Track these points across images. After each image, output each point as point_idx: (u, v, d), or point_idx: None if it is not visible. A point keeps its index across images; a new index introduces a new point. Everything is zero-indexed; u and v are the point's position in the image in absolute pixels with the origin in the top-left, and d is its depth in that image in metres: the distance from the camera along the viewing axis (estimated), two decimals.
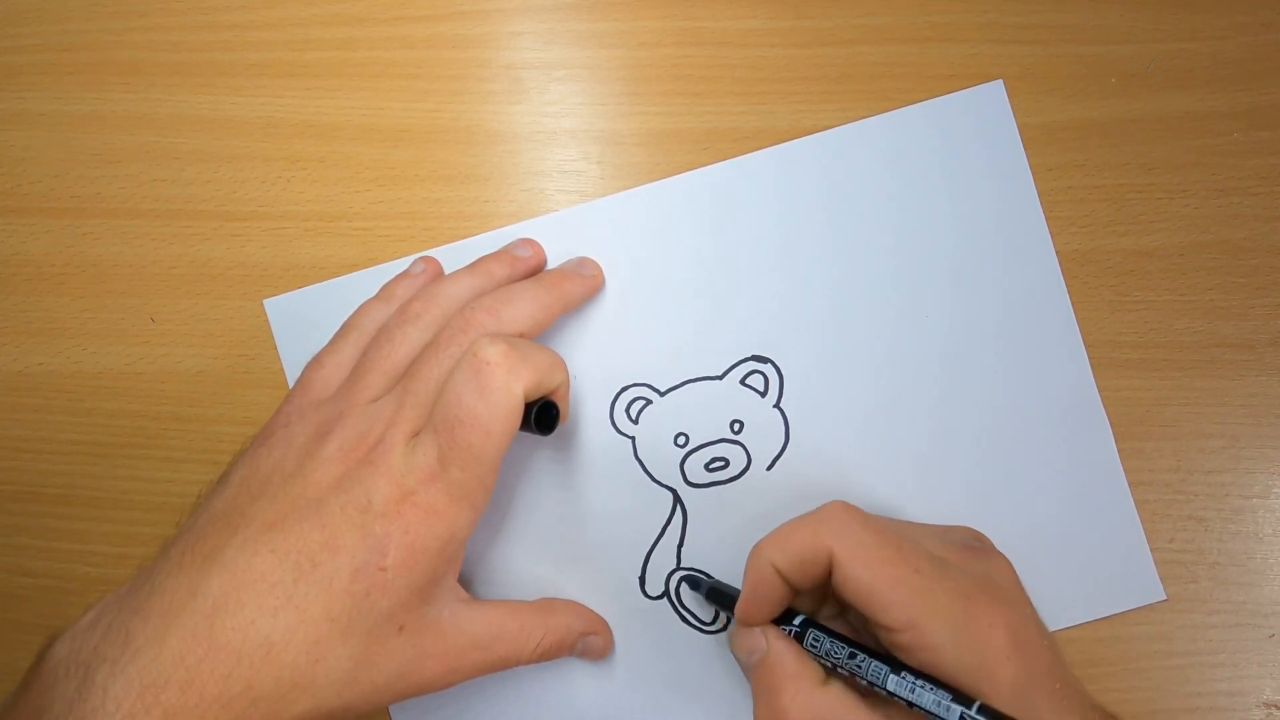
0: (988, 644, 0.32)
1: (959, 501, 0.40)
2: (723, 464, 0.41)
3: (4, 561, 0.42)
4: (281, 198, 0.42)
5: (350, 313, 0.40)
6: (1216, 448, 0.41)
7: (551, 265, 0.42)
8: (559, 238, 0.42)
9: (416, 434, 0.33)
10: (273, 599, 0.31)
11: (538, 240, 0.41)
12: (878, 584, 0.32)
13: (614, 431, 0.41)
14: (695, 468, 0.41)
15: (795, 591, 0.34)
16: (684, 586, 0.40)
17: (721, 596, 0.38)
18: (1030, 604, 0.35)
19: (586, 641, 0.39)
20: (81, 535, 0.42)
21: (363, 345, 0.38)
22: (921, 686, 0.31)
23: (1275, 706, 0.40)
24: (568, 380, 0.37)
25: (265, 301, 0.42)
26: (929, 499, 0.40)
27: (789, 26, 0.42)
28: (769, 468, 0.41)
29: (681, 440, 0.41)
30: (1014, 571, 0.35)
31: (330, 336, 0.39)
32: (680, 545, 0.41)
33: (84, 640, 0.30)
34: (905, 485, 0.41)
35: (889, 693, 0.32)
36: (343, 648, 0.31)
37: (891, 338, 0.41)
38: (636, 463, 0.41)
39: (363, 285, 0.41)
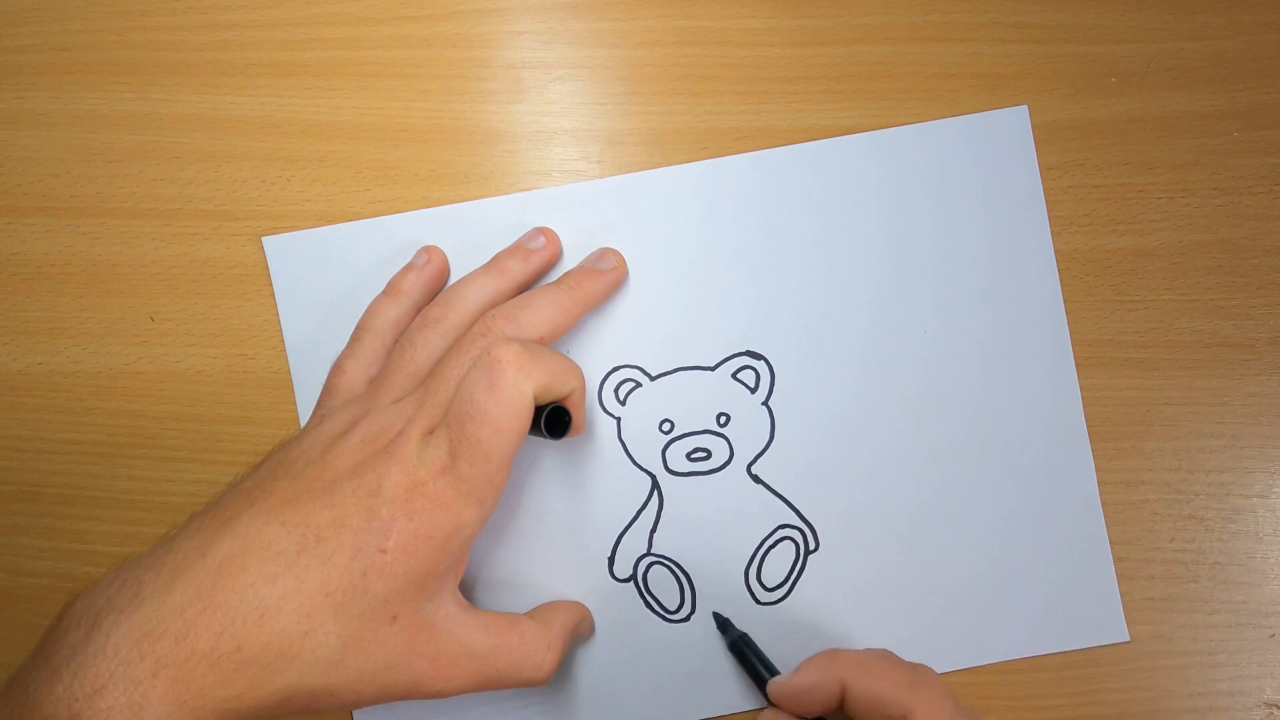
0: None
1: (935, 515, 0.41)
2: (705, 455, 0.41)
3: (4, 561, 0.42)
4: (281, 198, 0.42)
5: (348, 266, 0.42)
6: (1216, 448, 0.41)
7: (564, 242, 0.42)
8: (566, 212, 0.42)
9: (433, 430, 0.34)
10: (274, 566, 0.32)
11: (546, 220, 0.42)
12: None
13: (600, 410, 0.41)
14: (677, 456, 0.41)
15: (837, 710, 0.35)
16: (712, 617, 0.40)
17: (745, 657, 0.39)
18: None
19: (577, 631, 0.39)
20: (81, 535, 0.42)
21: (378, 345, 0.39)
22: None
23: (1276, 706, 0.40)
24: (582, 388, 0.37)
25: (264, 239, 0.42)
26: (906, 509, 0.41)
27: (789, 26, 0.42)
28: (751, 464, 0.41)
29: (666, 427, 0.41)
30: None
31: (325, 281, 0.42)
32: (653, 531, 0.41)
33: (100, 592, 0.32)
34: (884, 493, 0.41)
35: None
36: (333, 624, 0.32)
37: (888, 349, 0.41)
38: (619, 444, 0.41)
39: (362, 235, 0.42)
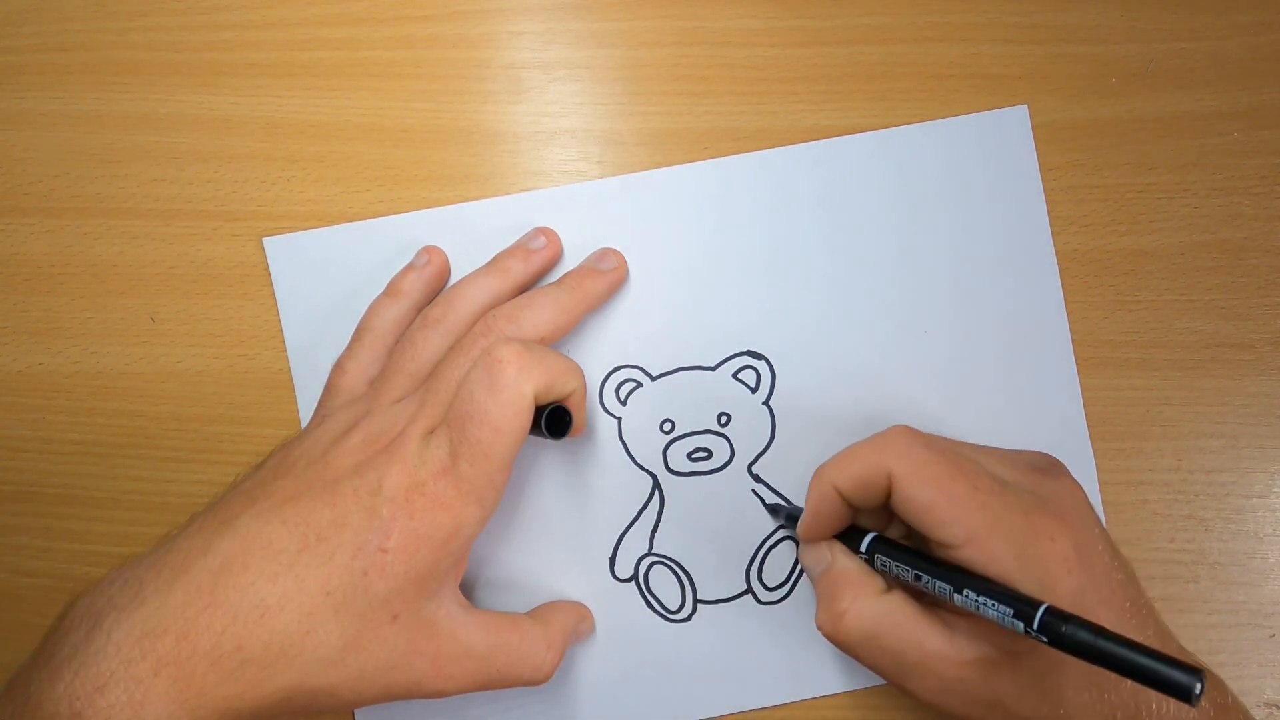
0: (1049, 556, 0.32)
1: None
2: (706, 455, 0.41)
3: (4, 561, 0.42)
4: (281, 198, 0.42)
5: (348, 266, 0.41)
6: (1216, 448, 0.41)
7: (564, 242, 0.42)
8: (566, 212, 0.42)
9: (434, 430, 0.34)
10: (275, 565, 0.32)
11: (546, 220, 0.42)
12: (936, 501, 0.32)
13: (601, 410, 0.41)
14: (678, 455, 0.41)
15: (856, 511, 0.35)
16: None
17: (792, 519, 0.39)
18: (1101, 526, 0.35)
19: (577, 631, 0.39)
20: (81, 535, 0.42)
21: (379, 345, 0.39)
22: (984, 604, 0.31)
23: (1276, 706, 0.40)
24: (583, 388, 0.37)
25: (264, 240, 0.42)
26: None
27: (789, 26, 0.42)
28: (752, 464, 0.41)
29: (667, 426, 0.41)
30: (1084, 494, 0.35)
31: (326, 282, 0.42)
32: (654, 531, 0.41)
33: (102, 592, 0.32)
34: None
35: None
36: (334, 623, 0.32)
37: (887, 348, 0.41)
38: (620, 444, 0.41)
39: (362, 236, 0.42)
